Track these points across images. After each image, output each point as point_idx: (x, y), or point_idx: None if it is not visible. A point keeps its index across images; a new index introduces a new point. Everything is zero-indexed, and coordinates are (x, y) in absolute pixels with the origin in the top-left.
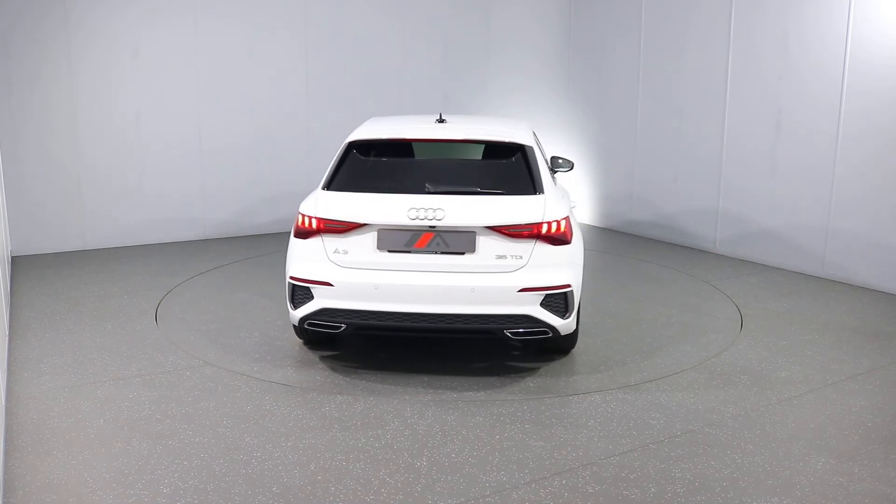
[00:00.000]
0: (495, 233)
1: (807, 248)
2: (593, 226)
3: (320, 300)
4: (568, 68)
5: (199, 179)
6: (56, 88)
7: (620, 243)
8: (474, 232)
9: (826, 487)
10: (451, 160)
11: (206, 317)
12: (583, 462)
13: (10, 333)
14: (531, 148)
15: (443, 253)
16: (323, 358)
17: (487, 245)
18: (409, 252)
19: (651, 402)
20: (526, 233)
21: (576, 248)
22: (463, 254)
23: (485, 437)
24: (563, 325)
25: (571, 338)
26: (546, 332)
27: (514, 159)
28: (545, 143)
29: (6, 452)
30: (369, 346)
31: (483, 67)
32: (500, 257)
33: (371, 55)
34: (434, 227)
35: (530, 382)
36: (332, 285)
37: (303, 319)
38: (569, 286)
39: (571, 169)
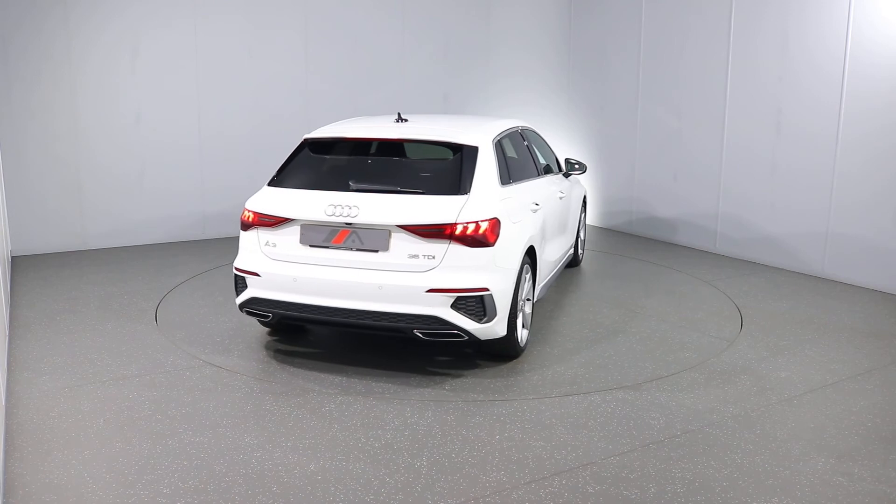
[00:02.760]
0: (408, 232)
1: (807, 248)
2: (593, 226)
3: (251, 289)
4: (568, 68)
5: (199, 178)
6: (57, 88)
7: (620, 243)
8: (388, 230)
9: (826, 487)
10: (391, 159)
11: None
12: (583, 462)
13: (10, 333)
14: (474, 149)
15: (358, 250)
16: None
17: (400, 244)
18: (327, 247)
19: (651, 402)
20: (438, 233)
21: (502, 251)
22: (377, 251)
23: (485, 437)
24: (480, 329)
25: (505, 343)
26: (459, 336)
27: (452, 159)
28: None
29: (6, 452)
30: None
31: (483, 67)
32: (412, 257)
33: (371, 55)
34: (350, 223)
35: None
36: (259, 276)
37: (240, 307)
38: (486, 290)
39: (584, 171)
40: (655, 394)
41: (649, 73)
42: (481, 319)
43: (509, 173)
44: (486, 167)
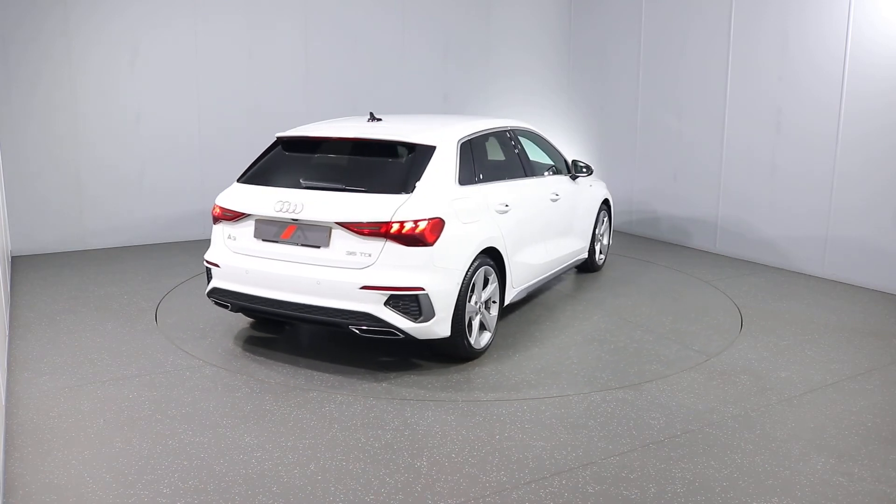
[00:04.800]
0: (346, 229)
1: (807, 248)
2: None
3: (214, 280)
4: (568, 68)
5: (199, 178)
6: (57, 89)
7: (620, 243)
8: (329, 227)
9: (826, 487)
10: (347, 157)
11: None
12: (583, 462)
13: (10, 333)
14: (430, 148)
15: (303, 245)
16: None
17: (340, 241)
18: (276, 242)
19: (651, 402)
20: (374, 231)
21: (444, 252)
22: (319, 247)
23: (485, 437)
24: (416, 328)
25: (451, 344)
26: (394, 334)
27: (404, 159)
28: None
29: (6, 452)
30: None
31: (483, 67)
32: (350, 254)
33: (371, 54)
34: (296, 220)
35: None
36: (220, 267)
37: (207, 296)
38: (421, 289)
39: (590, 174)
40: (655, 394)
41: (649, 73)
42: (417, 319)
43: (477, 173)
44: (440, 167)
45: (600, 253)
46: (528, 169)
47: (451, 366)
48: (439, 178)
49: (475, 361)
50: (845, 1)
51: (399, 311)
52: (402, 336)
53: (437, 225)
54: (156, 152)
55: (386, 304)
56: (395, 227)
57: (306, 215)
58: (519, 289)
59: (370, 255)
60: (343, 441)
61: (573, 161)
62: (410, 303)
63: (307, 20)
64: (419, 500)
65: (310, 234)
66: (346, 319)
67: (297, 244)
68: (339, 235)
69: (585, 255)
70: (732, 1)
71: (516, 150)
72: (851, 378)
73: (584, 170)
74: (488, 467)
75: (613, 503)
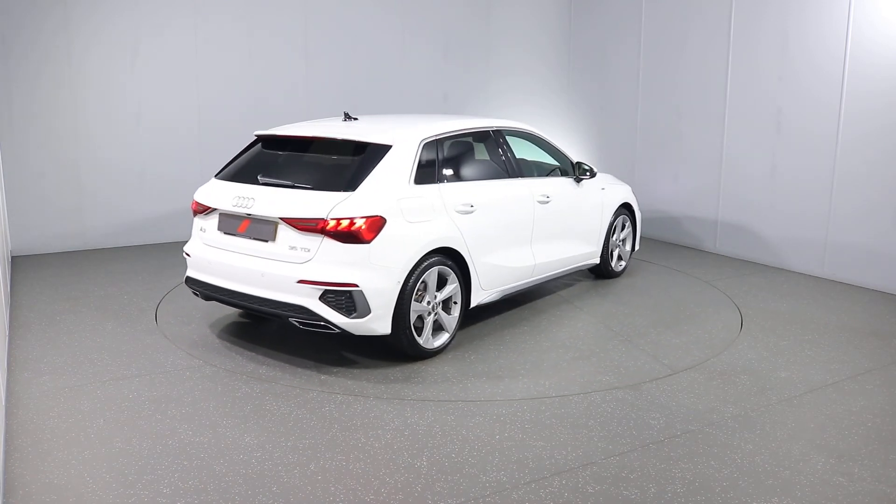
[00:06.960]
0: (289, 225)
1: (807, 248)
2: None
3: (188, 269)
4: (568, 68)
5: (199, 178)
6: (58, 89)
7: None
8: (275, 222)
9: (826, 487)
10: (309, 156)
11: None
12: (583, 462)
13: (10, 333)
14: (384, 147)
15: (254, 239)
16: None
17: (284, 236)
18: (234, 235)
19: (651, 402)
20: (312, 227)
21: (382, 250)
22: (266, 241)
23: (485, 437)
24: (350, 324)
25: (396, 342)
26: (328, 328)
27: (358, 157)
28: None
29: (6, 452)
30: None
31: (483, 67)
32: (292, 248)
33: (371, 55)
34: (250, 214)
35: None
36: (191, 257)
37: (185, 283)
38: (355, 286)
39: (593, 176)
40: (655, 394)
41: (649, 73)
42: (350, 314)
43: (441, 172)
44: (392, 166)
45: (619, 259)
46: (512, 170)
47: (395, 364)
48: (389, 177)
49: (425, 360)
50: (845, 1)
51: (332, 306)
52: (336, 330)
53: (376, 223)
54: (156, 152)
55: (321, 298)
56: (332, 223)
57: (256, 210)
58: (491, 291)
59: (309, 251)
60: (343, 441)
61: (577, 163)
62: (344, 298)
63: (307, 20)
64: (419, 500)
65: (260, 229)
66: (285, 311)
67: (251, 238)
68: (283, 230)
69: (596, 260)
70: (732, 1)
71: (500, 151)
72: (851, 378)
73: (588, 172)
74: (488, 467)
75: (613, 503)
